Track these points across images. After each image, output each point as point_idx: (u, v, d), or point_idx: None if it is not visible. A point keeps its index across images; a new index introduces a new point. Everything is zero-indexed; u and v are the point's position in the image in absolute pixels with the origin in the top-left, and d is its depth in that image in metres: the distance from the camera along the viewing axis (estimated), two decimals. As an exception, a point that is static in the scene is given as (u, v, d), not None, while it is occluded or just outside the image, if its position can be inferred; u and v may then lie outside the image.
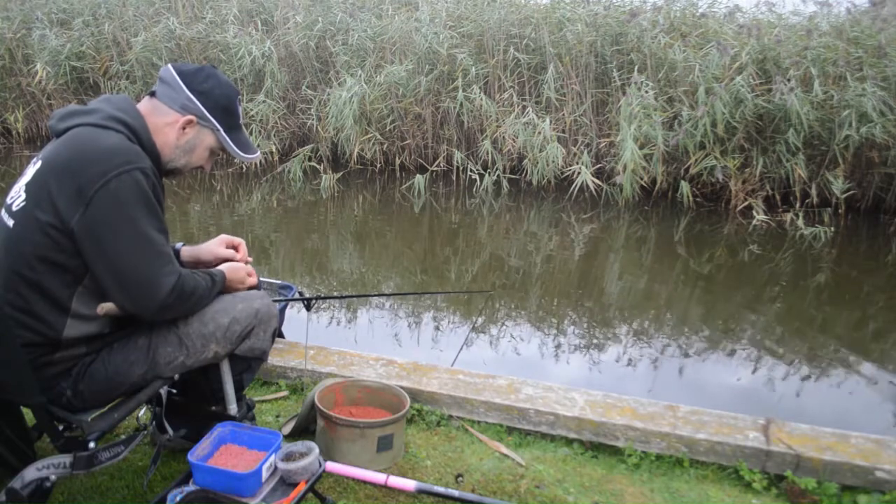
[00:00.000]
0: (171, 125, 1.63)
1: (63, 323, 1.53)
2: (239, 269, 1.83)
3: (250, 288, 1.85)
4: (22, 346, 1.48)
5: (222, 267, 1.81)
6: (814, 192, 5.81)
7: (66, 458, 1.57)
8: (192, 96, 1.63)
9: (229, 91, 1.68)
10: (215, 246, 1.97)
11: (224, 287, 1.76)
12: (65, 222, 1.46)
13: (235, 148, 1.70)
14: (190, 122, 1.64)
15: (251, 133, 7.16)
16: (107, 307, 1.55)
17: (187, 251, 1.94)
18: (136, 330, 1.66)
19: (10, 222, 1.53)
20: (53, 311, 1.52)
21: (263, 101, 7.18)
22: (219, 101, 1.65)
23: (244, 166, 7.17)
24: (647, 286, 4.62)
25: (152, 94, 1.65)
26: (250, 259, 2.02)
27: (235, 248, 2.00)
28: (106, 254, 1.48)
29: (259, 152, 1.78)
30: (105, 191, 1.45)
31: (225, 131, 1.68)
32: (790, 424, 2.20)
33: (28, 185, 1.53)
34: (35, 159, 1.58)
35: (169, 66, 1.65)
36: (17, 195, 1.54)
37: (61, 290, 1.51)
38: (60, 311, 1.52)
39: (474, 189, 6.51)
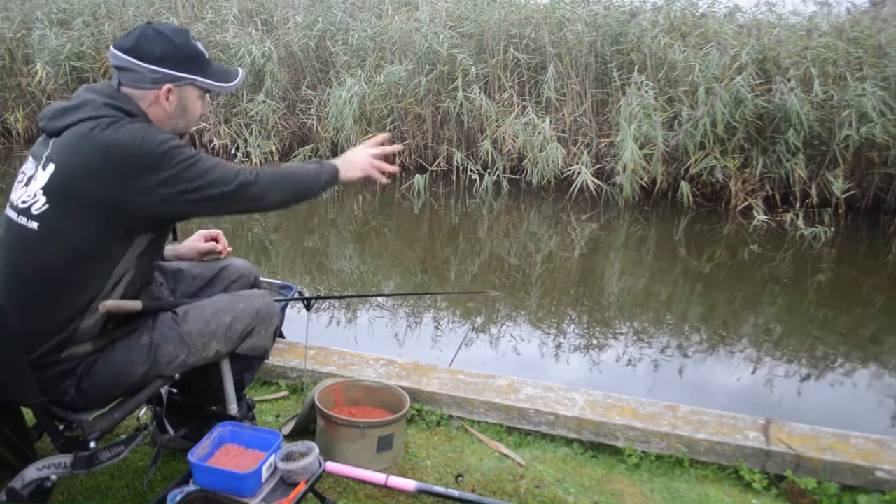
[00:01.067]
0: (155, 104, 1.61)
1: (81, 318, 1.54)
2: (358, 153, 1.84)
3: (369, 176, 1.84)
4: (31, 347, 1.49)
5: (335, 160, 1.82)
6: (814, 192, 5.81)
7: (67, 458, 1.57)
8: (155, 67, 1.59)
9: (180, 39, 1.63)
10: (195, 241, 2.03)
11: (342, 174, 1.78)
12: (130, 204, 1.49)
13: (218, 84, 1.69)
14: (169, 91, 1.62)
15: (251, 132, 7.17)
16: (108, 305, 1.55)
17: (169, 250, 1.97)
18: (138, 328, 1.66)
19: (33, 224, 1.51)
20: (73, 308, 1.53)
21: (263, 101, 7.18)
22: (178, 55, 1.62)
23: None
24: (647, 286, 4.62)
25: (119, 88, 1.61)
26: (230, 249, 2.08)
27: (215, 239, 2.05)
28: (195, 191, 1.53)
29: (240, 71, 1.75)
30: (160, 161, 1.49)
31: (200, 76, 1.65)
32: (790, 424, 2.20)
33: (47, 188, 1.51)
34: (35, 160, 1.56)
35: (112, 50, 1.61)
36: (34, 198, 1.52)
37: (91, 284, 1.53)
38: (82, 307, 1.53)
39: (474, 189, 6.51)
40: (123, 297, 1.58)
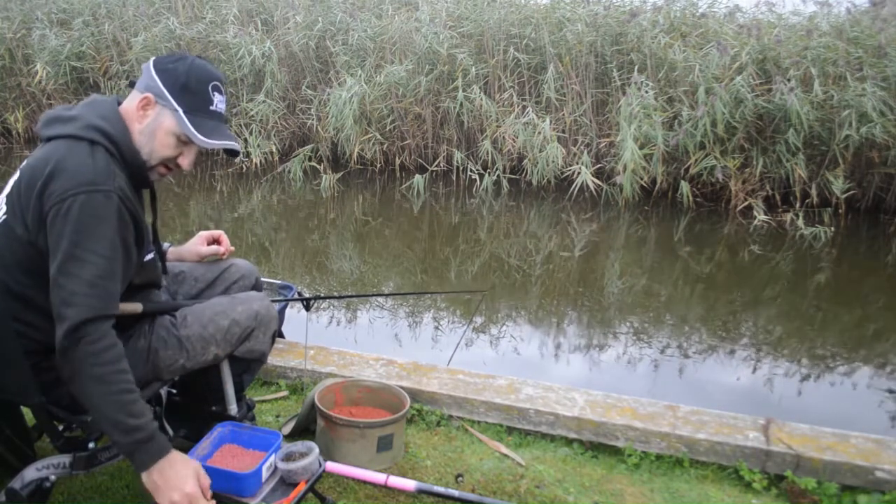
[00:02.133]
0: (136, 112, 1.54)
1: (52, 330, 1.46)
2: (181, 477, 1.41)
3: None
4: (24, 353, 1.47)
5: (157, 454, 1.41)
6: (814, 192, 5.81)
7: (66, 459, 1.57)
8: (154, 74, 1.53)
9: (200, 74, 1.54)
10: (197, 244, 2.00)
11: (142, 467, 1.39)
12: (32, 240, 1.43)
13: (193, 130, 1.52)
14: (147, 101, 1.52)
15: (251, 132, 7.16)
16: None
17: (172, 252, 1.95)
18: (135, 333, 1.65)
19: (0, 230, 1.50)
20: (43, 319, 1.45)
21: (263, 101, 7.18)
22: (179, 79, 1.52)
23: (244, 166, 7.17)
24: (647, 286, 4.61)
25: (120, 102, 1.59)
26: (233, 249, 2.05)
27: (217, 241, 2.02)
28: (53, 266, 1.39)
29: (235, 142, 1.59)
30: (58, 210, 1.38)
31: (185, 111, 1.52)
32: (790, 424, 2.21)
33: (8, 196, 1.50)
34: (20, 167, 1.56)
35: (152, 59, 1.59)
36: (0, 206, 1.51)
37: (46, 300, 1.41)
38: (49, 318, 1.42)
39: (474, 189, 6.51)
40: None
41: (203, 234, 2.02)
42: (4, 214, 1.48)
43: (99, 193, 1.40)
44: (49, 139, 1.50)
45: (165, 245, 1.92)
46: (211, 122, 1.57)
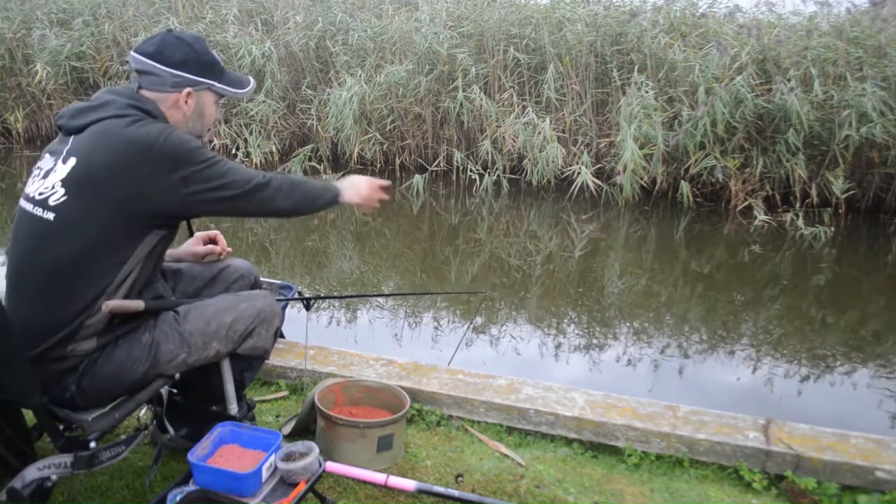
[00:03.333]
0: (174, 107, 1.68)
1: (87, 313, 1.54)
2: (361, 181, 1.91)
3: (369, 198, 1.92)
4: (36, 341, 1.52)
5: (339, 183, 1.88)
6: (814, 192, 5.81)
7: (67, 458, 1.57)
8: (176, 72, 1.66)
9: (199, 46, 1.71)
10: (193, 245, 2.04)
11: (344, 197, 1.85)
12: (147, 201, 1.54)
13: (233, 90, 1.77)
14: (188, 95, 1.69)
15: (251, 132, 7.18)
16: (112, 305, 1.55)
17: (169, 253, 1.97)
18: (140, 327, 1.66)
19: (49, 215, 1.53)
20: (81, 302, 1.54)
21: (263, 101, 7.18)
22: (197, 60, 1.70)
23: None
24: (647, 286, 4.62)
25: (139, 91, 1.67)
26: (230, 250, 2.09)
27: (213, 240, 2.06)
28: (211, 193, 1.58)
29: (251, 80, 1.84)
30: (172, 149, 1.54)
31: (218, 81, 1.73)
32: (790, 424, 2.21)
33: (67, 180, 1.54)
34: (53, 156, 1.59)
35: (133, 54, 1.67)
36: (52, 190, 1.55)
37: (99, 279, 1.54)
38: (89, 301, 1.54)
39: (474, 189, 6.51)
40: (128, 294, 1.59)
41: (199, 234, 2.06)
42: (65, 197, 1.53)
43: (186, 135, 1.61)
44: (87, 125, 1.58)
45: None
46: (230, 75, 1.78)
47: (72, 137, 1.59)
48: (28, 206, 1.58)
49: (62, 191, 1.54)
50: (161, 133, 1.54)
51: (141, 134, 1.54)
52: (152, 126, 1.57)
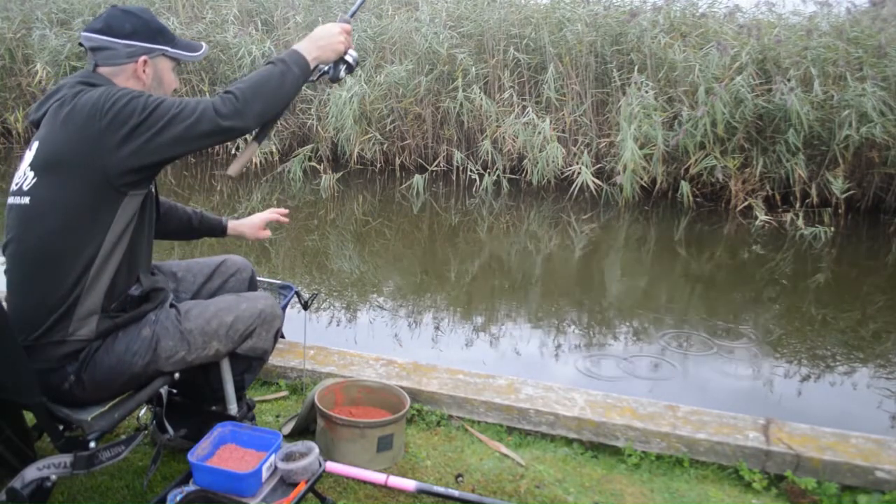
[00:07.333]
0: (133, 77, 1.69)
1: (79, 288, 1.56)
2: (322, 28, 1.77)
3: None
4: (35, 324, 1.55)
5: (295, 46, 1.75)
6: (814, 192, 5.81)
7: (67, 458, 1.57)
8: (128, 41, 1.68)
9: (146, 15, 1.74)
10: (258, 224, 2.25)
11: (312, 58, 1.73)
12: (104, 162, 1.53)
13: (187, 54, 1.78)
14: (145, 63, 1.70)
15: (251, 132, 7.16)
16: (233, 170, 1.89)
17: (232, 225, 2.18)
18: (141, 320, 1.68)
19: (26, 200, 1.58)
20: (72, 275, 1.56)
21: (263, 101, 7.17)
22: (147, 28, 1.71)
23: (244, 168, 7.16)
24: (648, 286, 4.61)
25: (94, 70, 1.68)
26: (285, 210, 2.28)
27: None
28: (159, 131, 1.54)
29: (203, 44, 1.84)
30: (113, 106, 1.53)
31: (170, 46, 1.74)
32: (790, 424, 2.21)
33: (33, 163, 1.59)
34: (29, 147, 1.64)
35: (84, 34, 1.70)
36: (24, 177, 1.60)
37: (83, 250, 1.56)
38: (79, 273, 1.56)
39: (474, 189, 6.51)
40: (119, 269, 1.61)
41: (266, 216, 2.27)
42: (35, 178, 1.57)
43: (125, 89, 1.60)
44: (45, 112, 1.62)
45: (224, 219, 2.20)
46: (181, 41, 1.79)
47: (38, 127, 1.64)
48: (12, 200, 1.63)
49: (31, 174, 1.58)
50: (103, 94, 1.56)
51: (84, 100, 1.56)
52: (94, 90, 1.58)
